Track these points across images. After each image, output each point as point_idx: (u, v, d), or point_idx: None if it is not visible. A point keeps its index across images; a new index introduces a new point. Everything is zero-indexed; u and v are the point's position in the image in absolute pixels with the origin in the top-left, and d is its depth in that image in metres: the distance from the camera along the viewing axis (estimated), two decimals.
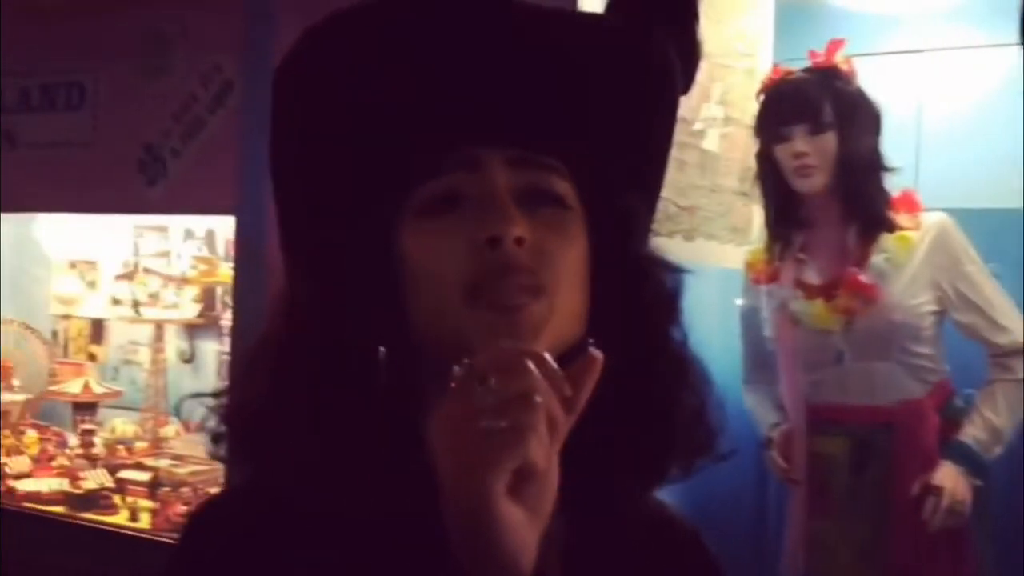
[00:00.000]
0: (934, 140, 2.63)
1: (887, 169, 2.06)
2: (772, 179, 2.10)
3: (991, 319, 2.01)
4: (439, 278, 0.63)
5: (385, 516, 0.60)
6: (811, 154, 2.01)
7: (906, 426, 2.00)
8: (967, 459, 1.97)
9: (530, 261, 0.62)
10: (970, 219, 2.15)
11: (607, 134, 0.69)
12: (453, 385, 0.53)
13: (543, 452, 0.51)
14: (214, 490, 2.78)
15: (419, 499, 0.56)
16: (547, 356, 0.54)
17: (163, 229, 3.25)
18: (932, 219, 2.05)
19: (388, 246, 0.64)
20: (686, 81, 0.72)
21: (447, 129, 0.64)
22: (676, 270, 0.69)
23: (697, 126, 2.31)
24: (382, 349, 0.62)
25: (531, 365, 0.53)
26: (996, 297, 2.03)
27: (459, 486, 0.51)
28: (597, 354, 0.55)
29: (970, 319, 2.02)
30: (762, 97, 2.12)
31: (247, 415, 0.66)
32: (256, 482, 0.67)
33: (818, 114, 2.02)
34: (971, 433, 1.99)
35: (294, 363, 0.64)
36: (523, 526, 0.52)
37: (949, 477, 1.95)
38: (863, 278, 2.00)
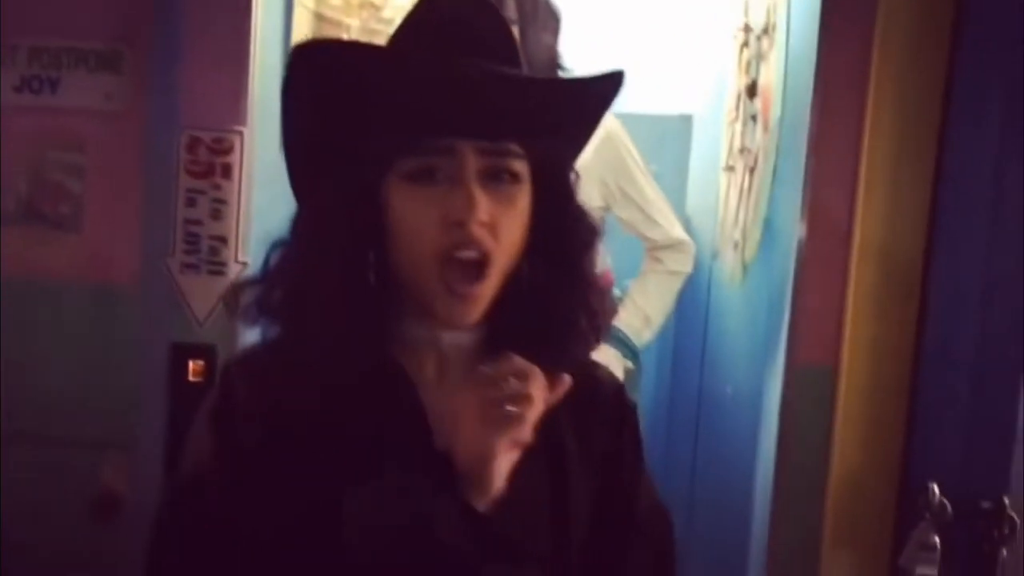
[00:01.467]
0: (611, 47, 2.77)
1: (563, 69, 2.14)
2: None
3: (648, 215, 2.19)
4: (417, 240, 0.87)
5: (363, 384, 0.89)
6: None
7: None
8: (620, 343, 2.15)
9: (485, 236, 0.86)
10: (636, 123, 2.31)
11: (555, 135, 0.92)
12: (483, 373, 0.84)
13: (529, 431, 0.83)
14: None
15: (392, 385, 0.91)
16: (540, 372, 0.83)
17: None
18: (603, 122, 2.17)
19: (376, 195, 0.88)
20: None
21: (437, 125, 0.86)
22: (594, 220, 0.97)
23: (387, 13, 2.28)
24: (371, 255, 0.90)
25: (536, 376, 0.83)
26: (654, 196, 2.20)
27: (477, 440, 0.82)
28: (567, 379, 0.85)
29: (629, 214, 2.19)
30: None
31: (277, 294, 0.92)
32: (278, 344, 0.93)
33: (503, 9, 2.05)
34: (624, 320, 2.17)
35: (312, 264, 0.90)
36: (503, 467, 0.83)
37: (603, 359, 2.11)
38: None
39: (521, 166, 0.89)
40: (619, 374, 2.13)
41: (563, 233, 0.93)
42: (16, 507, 1.82)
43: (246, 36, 1.83)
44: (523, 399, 0.81)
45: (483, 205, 0.85)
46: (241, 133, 1.76)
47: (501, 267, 0.88)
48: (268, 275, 0.93)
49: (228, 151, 1.76)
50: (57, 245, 1.89)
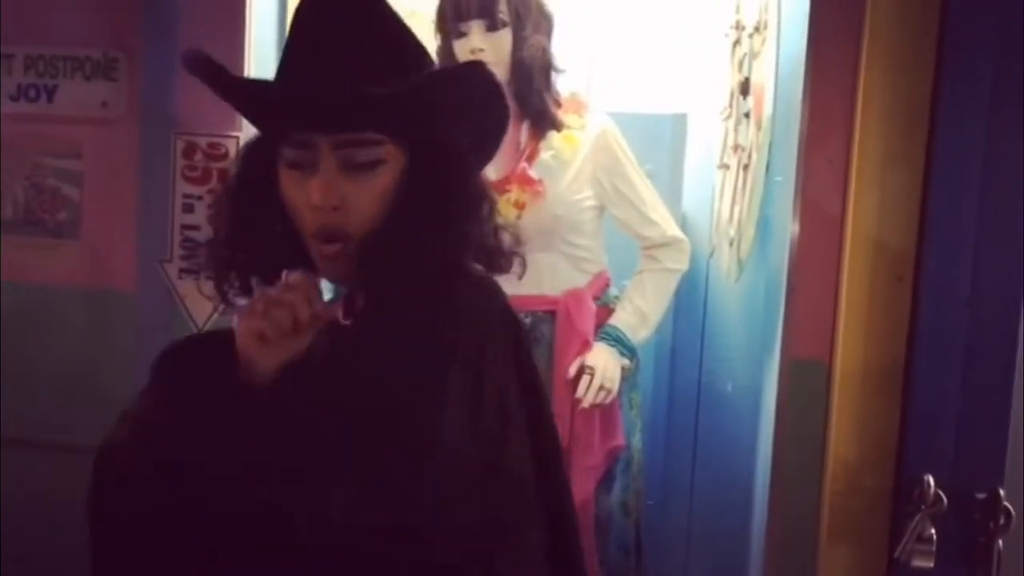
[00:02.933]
0: (605, 47, 2.78)
1: (557, 70, 2.15)
2: None
3: (643, 214, 2.19)
4: (297, 217, 1.05)
5: None
6: (487, 50, 2.06)
7: (566, 312, 2.16)
8: (618, 341, 2.16)
9: (340, 216, 1.02)
10: (630, 122, 2.32)
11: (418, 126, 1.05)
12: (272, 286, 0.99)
13: (284, 329, 0.97)
14: None
15: None
16: (312, 287, 0.99)
17: None
18: (596, 121, 2.18)
19: (274, 173, 1.06)
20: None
21: (298, 124, 1.03)
22: (480, 183, 1.12)
23: None
24: (277, 214, 1.07)
25: (293, 293, 0.97)
26: (648, 194, 2.21)
27: (242, 330, 0.98)
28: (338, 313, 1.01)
29: (624, 213, 2.19)
30: None
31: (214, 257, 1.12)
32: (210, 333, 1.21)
33: (494, 11, 2.06)
34: (621, 318, 2.17)
35: (238, 233, 1.09)
36: (265, 356, 0.98)
37: (601, 357, 2.12)
38: (531, 173, 2.10)
39: (381, 152, 1.03)
40: (615, 372, 2.15)
41: (439, 194, 1.05)
42: (12, 513, 1.83)
43: (240, 41, 1.84)
44: (276, 307, 0.96)
45: (336, 191, 1.02)
46: (236, 138, 1.77)
47: (360, 232, 1.04)
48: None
49: (224, 156, 1.78)
50: (55, 252, 1.90)
